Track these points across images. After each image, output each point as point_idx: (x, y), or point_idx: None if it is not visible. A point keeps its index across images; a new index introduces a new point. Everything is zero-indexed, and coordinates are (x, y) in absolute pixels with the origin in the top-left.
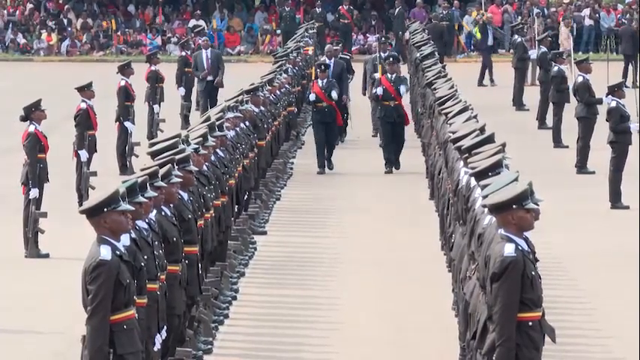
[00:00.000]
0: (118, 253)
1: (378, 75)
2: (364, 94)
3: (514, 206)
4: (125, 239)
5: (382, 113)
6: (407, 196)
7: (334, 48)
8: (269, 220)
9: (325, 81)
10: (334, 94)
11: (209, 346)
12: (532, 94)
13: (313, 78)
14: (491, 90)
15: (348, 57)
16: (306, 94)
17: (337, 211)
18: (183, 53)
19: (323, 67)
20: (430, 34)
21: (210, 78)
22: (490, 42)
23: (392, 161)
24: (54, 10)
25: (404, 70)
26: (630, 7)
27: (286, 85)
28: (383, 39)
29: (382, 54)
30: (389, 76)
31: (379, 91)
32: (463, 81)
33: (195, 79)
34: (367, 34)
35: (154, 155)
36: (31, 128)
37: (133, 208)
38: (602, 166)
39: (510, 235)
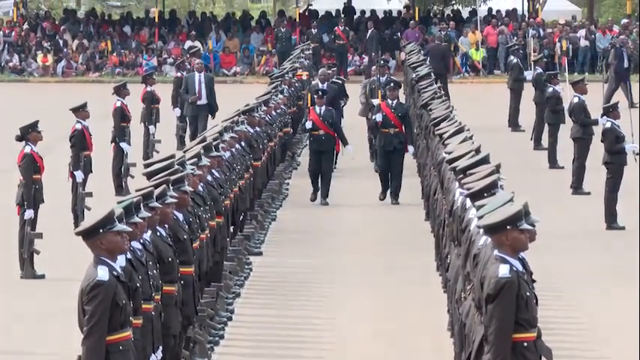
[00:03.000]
0: (115, 273)
1: (377, 101)
2: (362, 115)
3: (508, 227)
4: (121, 260)
5: (382, 142)
6: (402, 217)
7: (327, 72)
8: (265, 241)
9: (323, 108)
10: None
11: None
12: (528, 115)
13: (309, 104)
14: (487, 111)
15: (341, 81)
16: (302, 116)
17: (332, 232)
18: (179, 74)
19: (320, 92)
20: (431, 55)
21: (200, 102)
22: (626, 64)
23: (387, 190)
24: (50, 31)
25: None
26: (626, 27)
27: (282, 106)
28: (381, 62)
29: (381, 78)
30: (389, 102)
31: (378, 117)
32: (459, 102)
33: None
34: (363, 55)
35: (149, 176)
36: (27, 149)
37: (130, 229)
38: (598, 187)
39: (505, 256)
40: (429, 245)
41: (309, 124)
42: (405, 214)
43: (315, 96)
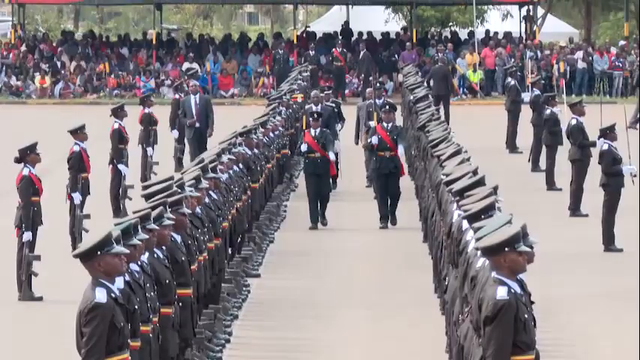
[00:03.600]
0: (113, 295)
1: (373, 123)
2: (357, 143)
3: (506, 249)
4: (119, 282)
5: (377, 164)
6: (400, 238)
7: (320, 95)
8: (262, 263)
9: (319, 131)
10: (332, 156)
11: None
12: (525, 137)
13: (304, 127)
14: (485, 132)
15: (338, 102)
16: (298, 139)
17: (330, 254)
18: (177, 96)
19: (315, 115)
20: (434, 76)
21: (198, 125)
22: None
23: (387, 217)
24: (47, 52)
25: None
26: (623, 49)
27: (280, 128)
28: (378, 84)
29: (377, 100)
30: (385, 124)
31: (374, 140)
32: (457, 124)
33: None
34: (360, 77)
35: (147, 198)
36: (26, 171)
37: (128, 251)
38: (596, 209)
39: (503, 278)
40: (427, 267)
41: (304, 147)
42: (403, 236)
43: (311, 119)
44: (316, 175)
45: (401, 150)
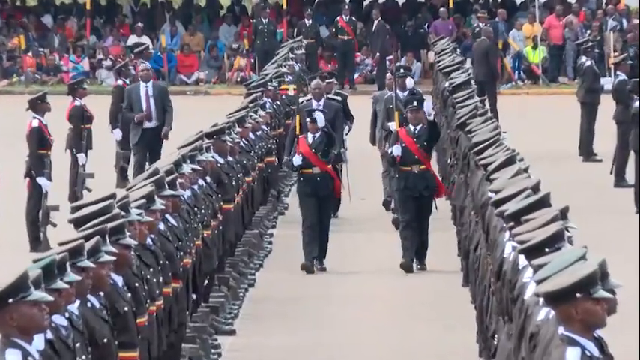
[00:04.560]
0: (31, 359)
1: (394, 126)
2: (373, 143)
3: (578, 295)
4: (39, 341)
5: (401, 184)
6: (430, 281)
7: (323, 84)
8: (238, 315)
9: (317, 136)
10: (333, 153)
11: None
12: (606, 139)
13: (297, 132)
14: (549, 133)
15: (344, 95)
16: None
17: (333, 300)
18: (120, 82)
19: (315, 115)
20: (476, 56)
21: (149, 124)
22: None
23: (412, 257)
24: None
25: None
26: None
27: (263, 127)
28: (401, 70)
29: (400, 93)
30: (411, 128)
31: (396, 151)
32: (510, 120)
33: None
34: (375, 57)
35: (77, 224)
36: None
37: (51, 298)
38: None
39: (574, 335)
40: (468, 320)
41: (297, 160)
42: (433, 278)
43: (308, 119)
44: (315, 198)
45: (428, 106)
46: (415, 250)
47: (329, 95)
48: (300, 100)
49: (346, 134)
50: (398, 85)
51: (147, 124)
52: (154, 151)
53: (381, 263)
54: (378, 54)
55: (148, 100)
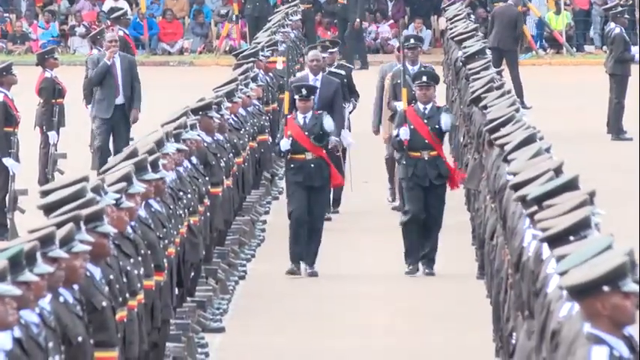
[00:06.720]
0: None
1: (401, 105)
2: (376, 132)
3: (606, 288)
4: (5, 339)
5: (409, 172)
6: (444, 272)
7: (323, 55)
8: (228, 310)
9: (309, 116)
10: (333, 141)
11: None
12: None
13: (286, 111)
14: (574, 108)
15: (349, 68)
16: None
17: (335, 296)
18: (95, 51)
19: (305, 91)
20: (498, 22)
21: (119, 101)
22: None
23: (418, 259)
24: None
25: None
26: None
27: (255, 102)
28: (411, 40)
29: (410, 66)
30: (420, 107)
31: (403, 134)
32: (531, 94)
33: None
34: (379, 24)
35: (48, 209)
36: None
37: (19, 292)
38: None
39: (601, 333)
40: (484, 317)
41: (285, 144)
42: (447, 266)
43: (297, 97)
44: (306, 189)
45: (447, 121)
46: (423, 255)
47: (331, 69)
48: (298, 75)
49: (350, 113)
50: (407, 58)
51: (116, 101)
52: (119, 132)
53: (381, 262)
54: (394, 20)
55: (115, 74)
